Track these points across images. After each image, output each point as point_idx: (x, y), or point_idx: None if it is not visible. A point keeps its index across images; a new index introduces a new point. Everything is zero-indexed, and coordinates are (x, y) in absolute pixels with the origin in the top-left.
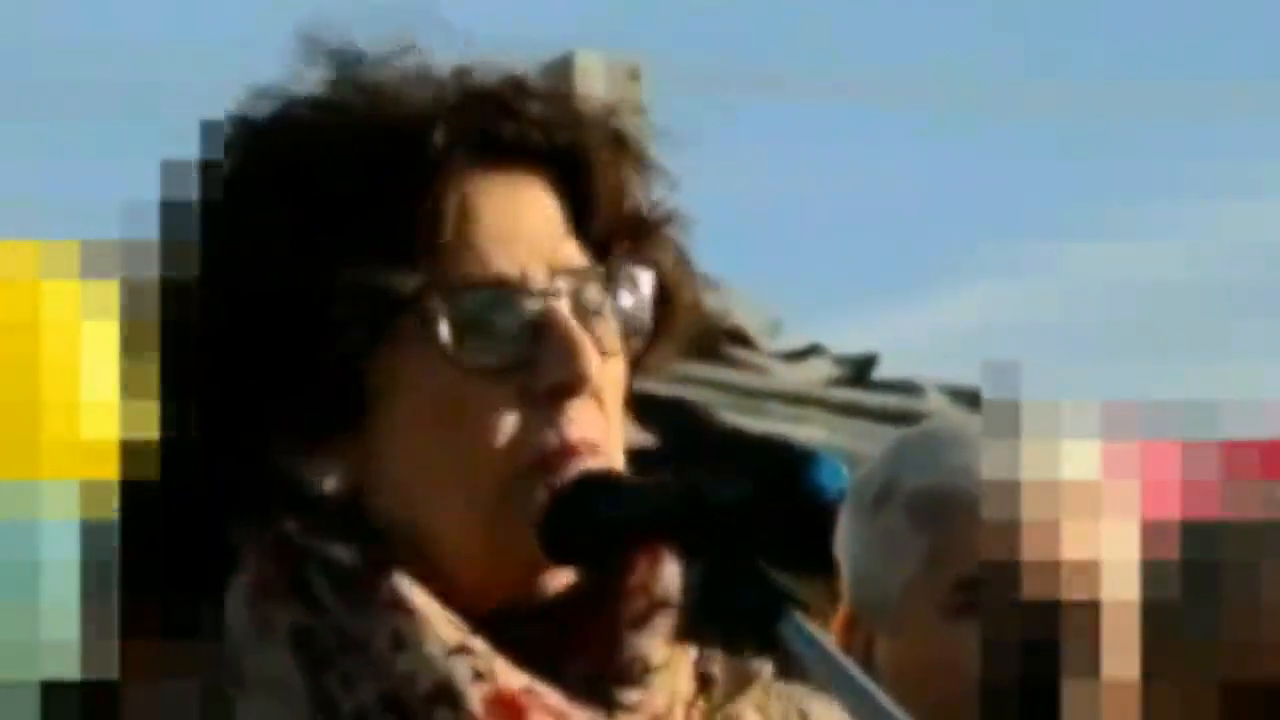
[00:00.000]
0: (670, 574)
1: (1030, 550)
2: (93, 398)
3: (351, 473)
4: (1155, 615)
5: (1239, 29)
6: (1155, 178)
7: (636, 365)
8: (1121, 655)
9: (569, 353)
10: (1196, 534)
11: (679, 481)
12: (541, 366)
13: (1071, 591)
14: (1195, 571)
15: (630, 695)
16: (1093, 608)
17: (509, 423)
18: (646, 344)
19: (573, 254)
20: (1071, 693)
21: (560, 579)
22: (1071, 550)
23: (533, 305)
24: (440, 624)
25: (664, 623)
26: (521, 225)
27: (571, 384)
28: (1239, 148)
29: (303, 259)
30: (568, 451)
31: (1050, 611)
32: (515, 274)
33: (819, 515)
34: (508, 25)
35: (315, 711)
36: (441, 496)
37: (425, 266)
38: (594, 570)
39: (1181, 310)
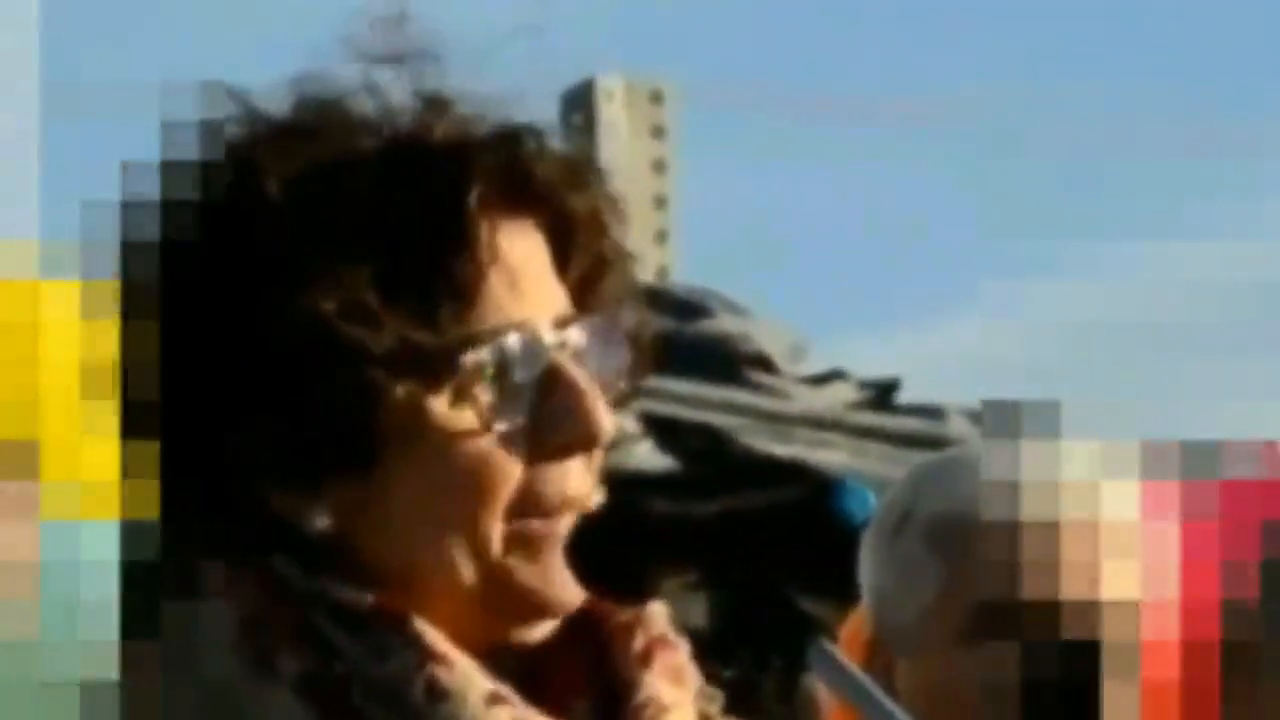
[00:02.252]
0: (658, 611)
1: (1069, 589)
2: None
3: (344, 515)
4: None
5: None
6: (1174, 211)
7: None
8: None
9: (582, 409)
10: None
11: (707, 507)
12: (553, 422)
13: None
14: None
15: None
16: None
17: (516, 476)
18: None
19: (563, 302)
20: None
21: (544, 627)
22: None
23: (544, 358)
24: (472, 672)
25: (666, 660)
26: (528, 274)
27: (585, 442)
28: None
29: (323, 303)
30: (565, 507)
31: (1090, 651)
32: (528, 326)
33: (846, 542)
34: (529, 50)
35: None
36: (442, 543)
37: (448, 317)
38: (625, 596)
39: (1195, 347)
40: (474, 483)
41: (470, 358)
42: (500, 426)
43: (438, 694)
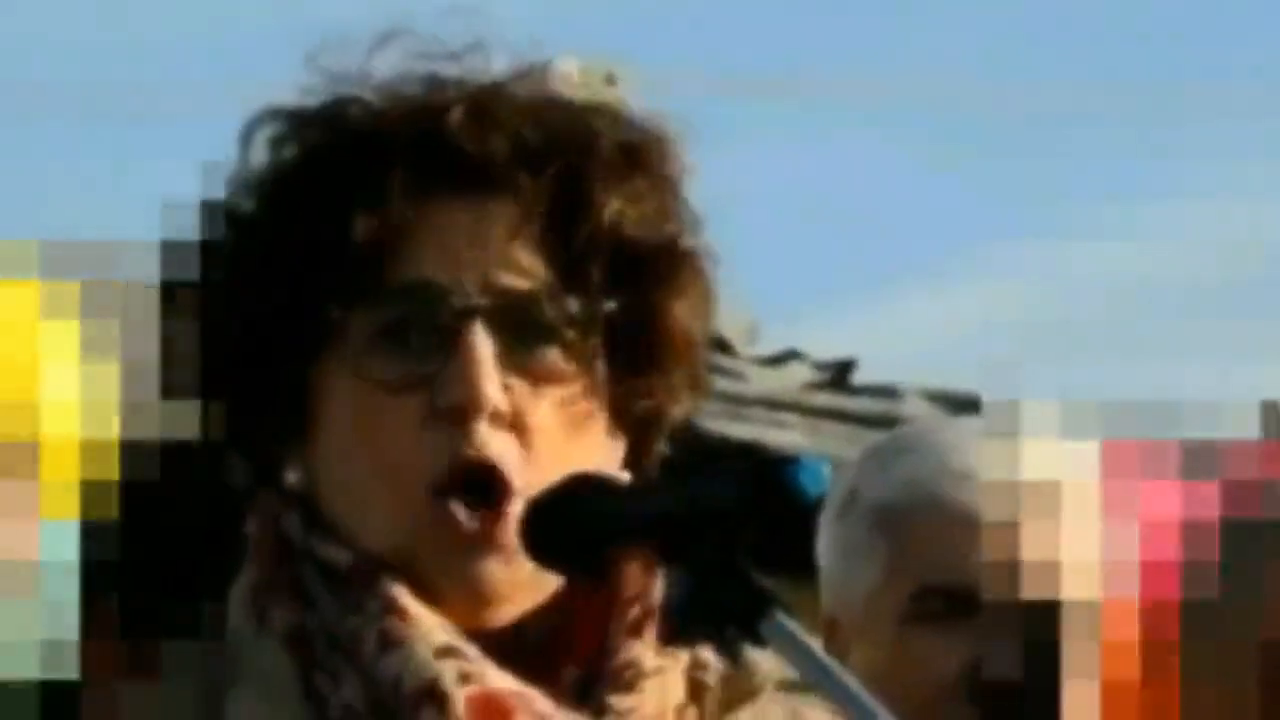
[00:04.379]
0: (660, 583)
1: (1029, 550)
2: (53, 397)
3: (306, 478)
4: (1193, 615)
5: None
6: (1135, 179)
7: (641, 396)
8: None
9: (468, 373)
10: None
11: (664, 485)
12: (440, 384)
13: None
14: (1236, 570)
15: (622, 701)
16: (1092, 608)
17: (409, 439)
18: (629, 374)
19: (525, 273)
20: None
21: (512, 609)
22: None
23: (448, 319)
24: (430, 626)
25: (654, 630)
26: (467, 240)
27: (464, 406)
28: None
29: (263, 279)
30: (463, 473)
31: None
32: (438, 284)
33: (802, 518)
34: (484, 32)
35: (305, 710)
36: (367, 513)
37: (355, 281)
38: (578, 576)
39: (1163, 309)
40: (373, 449)
41: (364, 316)
42: (386, 377)
43: (388, 644)
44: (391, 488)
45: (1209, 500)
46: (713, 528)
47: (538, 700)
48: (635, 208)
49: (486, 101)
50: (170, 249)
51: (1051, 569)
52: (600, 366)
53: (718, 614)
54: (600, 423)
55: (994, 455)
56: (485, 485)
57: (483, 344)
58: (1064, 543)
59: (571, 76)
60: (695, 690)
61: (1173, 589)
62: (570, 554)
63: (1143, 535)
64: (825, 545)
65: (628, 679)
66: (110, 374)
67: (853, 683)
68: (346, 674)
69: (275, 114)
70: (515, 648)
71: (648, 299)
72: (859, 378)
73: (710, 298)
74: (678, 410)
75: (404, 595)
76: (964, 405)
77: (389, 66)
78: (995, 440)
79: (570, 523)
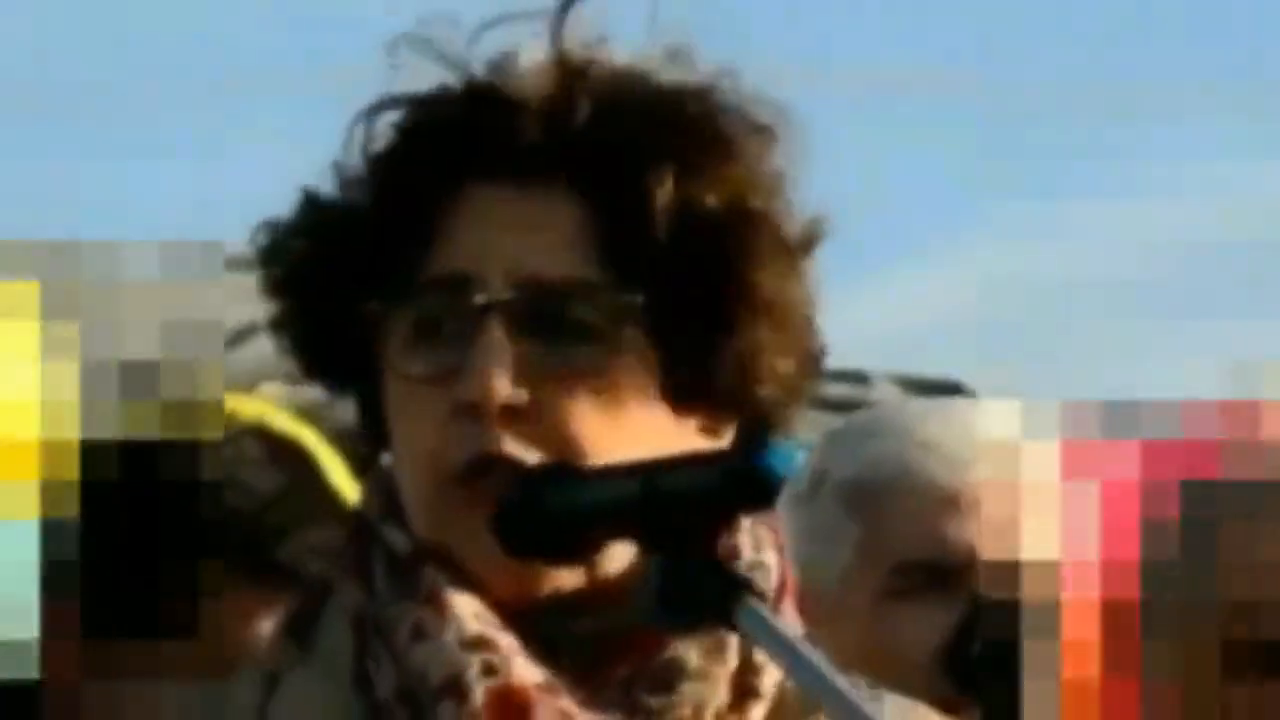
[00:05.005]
0: None
1: (991, 550)
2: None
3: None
4: (1153, 574)
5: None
6: (1101, 176)
7: (717, 365)
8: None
9: (479, 370)
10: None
11: (634, 471)
12: (458, 380)
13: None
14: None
15: (655, 700)
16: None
17: (432, 432)
18: (700, 347)
19: (561, 262)
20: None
21: (566, 577)
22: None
23: (471, 314)
24: (464, 617)
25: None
26: (501, 229)
27: (476, 402)
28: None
29: (323, 274)
30: (482, 467)
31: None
32: (465, 277)
33: (773, 500)
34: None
35: (354, 695)
36: (409, 502)
37: (393, 275)
38: (553, 564)
39: (1119, 307)
40: (402, 438)
41: (403, 309)
42: (413, 372)
43: (420, 635)
44: (423, 478)
45: (1169, 460)
46: (684, 514)
47: (562, 695)
48: (687, 181)
49: (527, 97)
50: (168, 249)
51: (1012, 530)
52: (644, 352)
53: (692, 601)
54: (649, 408)
55: (956, 423)
56: (509, 479)
57: (497, 340)
58: (1025, 507)
59: (540, 65)
60: (742, 695)
61: (1132, 550)
62: (543, 547)
63: (1102, 497)
64: (790, 529)
65: (666, 678)
66: (70, 374)
67: (828, 668)
68: (385, 662)
69: (376, 104)
70: (571, 644)
71: (712, 264)
72: (828, 363)
73: (793, 255)
74: (781, 367)
75: (443, 585)
76: (934, 390)
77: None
78: (955, 411)
79: (541, 515)
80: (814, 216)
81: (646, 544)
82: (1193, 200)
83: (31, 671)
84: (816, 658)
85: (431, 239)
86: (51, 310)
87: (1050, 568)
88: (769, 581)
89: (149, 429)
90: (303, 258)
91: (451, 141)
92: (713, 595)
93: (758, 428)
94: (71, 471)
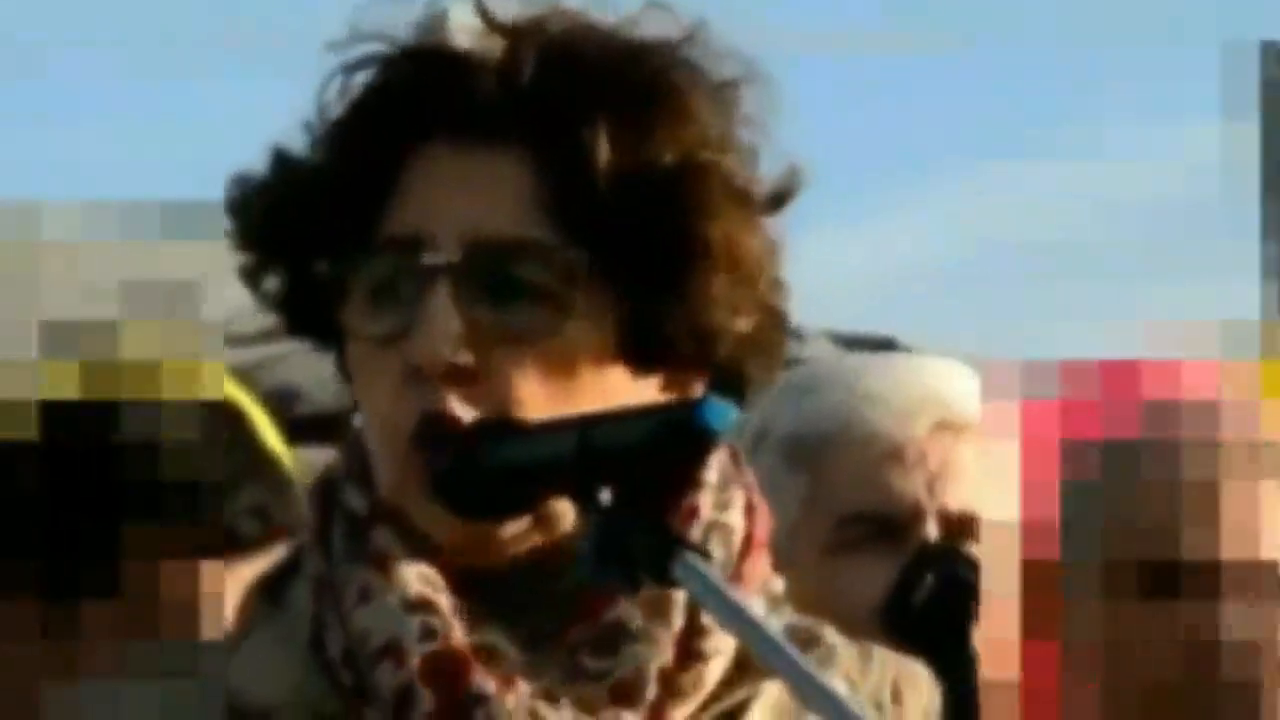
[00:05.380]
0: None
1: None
2: None
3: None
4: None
5: None
6: (1054, 118)
7: (673, 323)
8: (1002, 573)
9: (425, 332)
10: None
11: (571, 426)
12: (406, 342)
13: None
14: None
15: (597, 663)
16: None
17: (386, 393)
18: (654, 302)
19: (512, 223)
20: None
21: (508, 546)
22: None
23: (421, 275)
24: (409, 580)
25: (652, 591)
26: (455, 193)
27: (420, 366)
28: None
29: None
30: (431, 427)
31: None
32: (416, 239)
33: (706, 454)
34: None
35: (310, 657)
36: (374, 456)
37: (363, 235)
38: (494, 522)
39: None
40: (361, 399)
41: (361, 271)
42: (368, 333)
43: (364, 597)
44: (380, 439)
45: (1089, 419)
46: (619, 467)
47: (505, 659)
48: (632, 137)
49: (469, 56)
50: (92, 209)
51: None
52: (600, 312)
53: (627, 557)
54: (604, 369)
55: (898, 376)
56: (451, 438)
57: (443, 303)
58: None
59: (466, 26)
60: (686, 656)
61: (1052, 509)
62: (482, 505)
63: (1023, 454)
64: None
65: (609, 640)
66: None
67: (765, 621)
68: (334, 624)
69: (348, 63)
70: (535, 606)
71: (651, 239)
72: None
73: (749, 210)
74: (741, 324)
75: (393, 548)
76: (868, 346)
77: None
78: (896, 364)
79: (477, 473)
80: (787, 170)
81: (582, 499)
82: (1153, 162)
83: None
84: (751, 609)
85: (389, 198)
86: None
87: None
88: (730, 542)
89: (69, 390)
90: (269, 215)
91: (407, 101)
92: (649, 550)
93: (726, 386)
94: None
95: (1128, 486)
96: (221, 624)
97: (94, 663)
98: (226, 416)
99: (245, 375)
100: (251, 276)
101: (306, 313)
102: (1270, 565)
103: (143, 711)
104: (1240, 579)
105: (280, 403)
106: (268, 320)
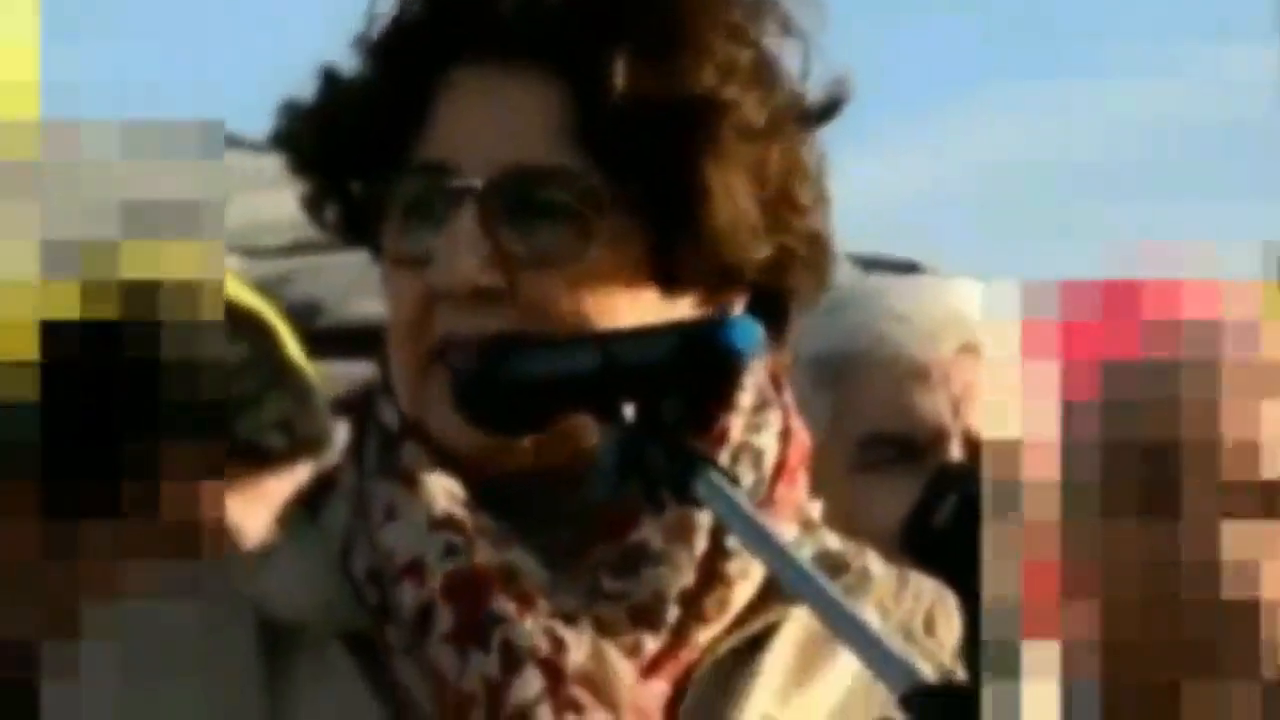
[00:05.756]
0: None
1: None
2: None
3: None
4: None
5: None
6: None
7: (691, 258)
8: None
9: (449, 253)
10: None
11: (593, 344)
12: (432, 263)
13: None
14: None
15: (616, 584)
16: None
17: (410, 313)
18: (674, 239)
19: (541, 148)
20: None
21: (545, 451)
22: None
23: (448, 198)
24: (436, 496)
25: (674, 513)
26: (482, 117)
27: (442, 287)
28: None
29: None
30: (446, 346)
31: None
32: (445, 162)
33: (733, 375)
34: None
35: (340, 570)
36: (395, 373)
37: (386, 158)
38: (513, 433)
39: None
40: (389, 316)
41: (395, 193)
42: (398, 253)
43: (391, 514)
44: (402, 357)
45: (1129, 339)
46: (641, 385)
47: (527, 578)
48: (658, 67)
49: None
50: (130, 129)
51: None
52: (627, 235)
53: (648, 474)
54: (634, 292)
55: (925, 298)
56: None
57: (468, 226)
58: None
59: None
60: (708, 578)
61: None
62: (503, 419)
63: (1063, 375)
64: None
65: (629, 561)
66: (29, 252)
67: (785, 540)
68: (362, 540)
69: None
70: (558, 522)
71: (672, 163)
72: None
73: (781, 132)
74: (762, 250)
75: (421, 463)
76: (892, 269)
77: None
78: (923, 286)
79: (500, 387)
80: (832, 83)
81: (601, 416)
82: (1156, 81)
83: None
84: (772, 528)
85: (421, 121)
86: (10, 190)
87: (1013, 446)
88: (762, 465)
89: (108, 310)
90: (311, 140)
91: (440, 22)
92: (669, 468)
93: (767, 303)
94: (30, 351)
95: (1129, 406)
96: (224, 545)
97: (129, 582)
98: (253, 329)
99: (268, 288)
100: (311, 201)
101: (350, 231)
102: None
103: (180, 627)
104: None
105: (303, 316)
106: (289, 234)
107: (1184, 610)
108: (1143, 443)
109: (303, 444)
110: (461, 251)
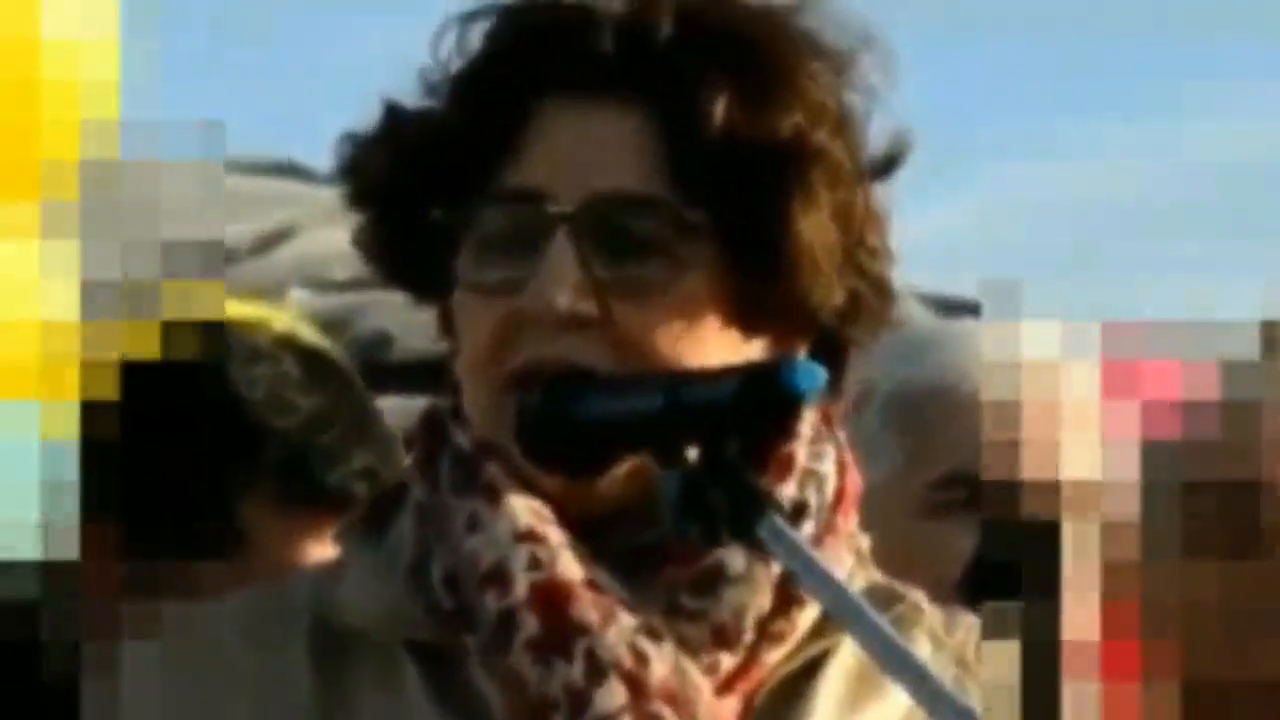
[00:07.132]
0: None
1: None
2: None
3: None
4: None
5: None
6: (1132, 97)
7: (768, 306)
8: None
9: (544, 280)
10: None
11: (658, 383)
12: (526, 291)
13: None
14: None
15: (696, 603)
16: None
17: (492, 339)
18: (753, 282)
19: (632, 178)
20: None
21: (608, 489)
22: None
23: (540, 226)
24: (518, 510)
25: None
26: (574, 144)
27: (539, 311)
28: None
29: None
30: (537, 370)
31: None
32: (535, 191)
33: (794, 416)
34: None
35: (407, 585)
36: (468, 401)
37: (479, 187)
38: (575, 476)
39: (1165, 227)
40: (464, 344)
41: (476, 222)
42: (481, 282)
43: (474, 526)
44: (480, 383)
45: (1209, 381)
46: (707, 427)
47: (607, 593)
48: (754, 108)
49: (592, 13)
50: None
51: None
52: (713, 271)
53: (711, 515)
54: (718, 328)
55: (995, 337)
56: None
57: (563, 252)
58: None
59: None
60: (785, 600)
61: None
62: (564, 460)
63: (1143, 415)
64: None
65: (708, 582)
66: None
67: (847, 584)
68: (439, 551)
69: (465, 13)
70: (622, 552)
71: (764, 202)
72: None
73: (859, 179)
74: (837, 298)
75: (502, 481)
76: (961, 310)
77: None
78: (996, 323)
79: (562, 427)
80: (894, 136)
81: (663, 458)
82: (1231, 121)
83: (32, 590)
84: (834, 573)
85: (507, 151)
86: (91, 230)
87: (1093, 488)
88: (824, 491)
89: (189, 351)
90: (382, 170)
91: (531, 53)
92: (732, 509)
93: (826, 348)
94: (111, 391)
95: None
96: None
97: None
98: (327, 372)
99: (336, 322)
100: (368, 231)
101: (405, 263)
102: None
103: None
104: None
105: (373, 348)
106: (358, 267)
107: (1265, 652)
108: (1224, 483)
109: None
110: (556, 277)
